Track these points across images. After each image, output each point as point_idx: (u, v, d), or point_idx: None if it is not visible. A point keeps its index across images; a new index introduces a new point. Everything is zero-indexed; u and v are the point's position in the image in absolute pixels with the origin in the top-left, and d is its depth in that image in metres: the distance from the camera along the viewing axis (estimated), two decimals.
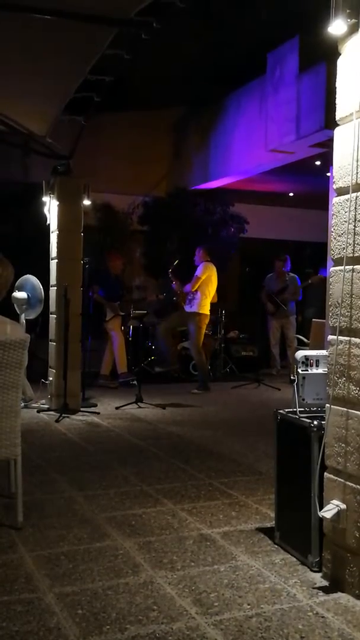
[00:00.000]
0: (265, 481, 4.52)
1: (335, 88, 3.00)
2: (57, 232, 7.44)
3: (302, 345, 10.02)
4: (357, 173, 2.85)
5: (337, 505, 2.88)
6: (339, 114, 2.98)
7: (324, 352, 3.35)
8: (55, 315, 7.40)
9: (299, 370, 3.35)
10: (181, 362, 9.78)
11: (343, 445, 2.88)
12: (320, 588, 2.92)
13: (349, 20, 2.84)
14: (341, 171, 2.96)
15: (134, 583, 2.95)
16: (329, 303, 3.05)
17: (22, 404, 6.39)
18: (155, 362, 9.37)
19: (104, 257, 9.51)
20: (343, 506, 2.86)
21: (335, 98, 3.00)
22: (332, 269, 3.02)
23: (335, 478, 2.94)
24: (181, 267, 9.16)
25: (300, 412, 3.30)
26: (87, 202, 7.54)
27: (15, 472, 3.72)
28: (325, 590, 2.90)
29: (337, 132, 3.01)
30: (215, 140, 10.84)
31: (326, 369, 3.12)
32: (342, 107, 2.96)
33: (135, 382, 8.10)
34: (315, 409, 3.34)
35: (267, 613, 2.68)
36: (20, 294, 7.14)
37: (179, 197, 11.30)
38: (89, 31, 5.05)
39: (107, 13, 4.83)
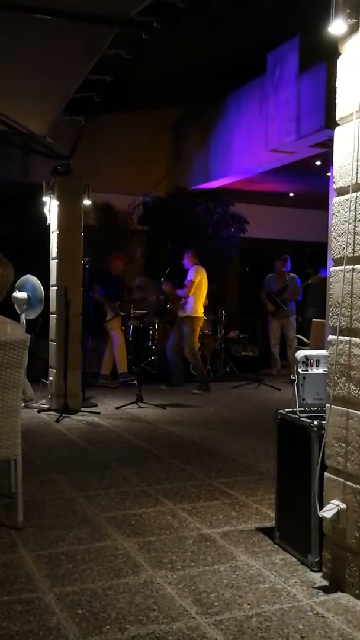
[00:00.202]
0: (266, 481, 4.52)
1: (336, 88, 3.00)
2: (58, 232, 7.45)
3: (302, 345, 10.00)
4: (357, 173, 2.85)
5: (337, 505, 2.88)
6: (339, 114, 2.98)
7: (324, 352, 3.35)
8: (55, 315, 7.40)
9: (299, 370, 3.35)
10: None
11: (343, 445, 2.88)
12: (320, 588, 2.92)
13: (349, 20, 2.84)
14: (341, 171, 2.96)
15: (134, 583, 2.95)
16: (329, 303, 3.05)
17: (23, 404, 6.39)
18: (165, 380, 9.25)
19: (104, 257, 9.51)
20: (343, 506, 2.86)
21: (335, 98, 3.00)
22: (332, 268, 3.02)
23: (336, 478, 2.94)
24: (173, 274, 9.16)
25: (301, 412, 3.30)
26: (87, 202, 7.54)
27: (15, 472, 3.72)
28: (326, 590, 2.90)
29: (337, 132, 3.01)
30: (216, 140, 10.84)
31: (326, 369, 3.12)
32: (343, 106, 2.96)
33: (135, 382, 8.11)
34: (315, 408, 3.34)
35: (267, 613, 2.68)
36: (20, 294, 7.14)
37: (179, 197, 11.30)
38: (89, 31, 5.05)
39: (107, 13, 4.83)
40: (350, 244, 2.88)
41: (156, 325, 10.03)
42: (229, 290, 13.05)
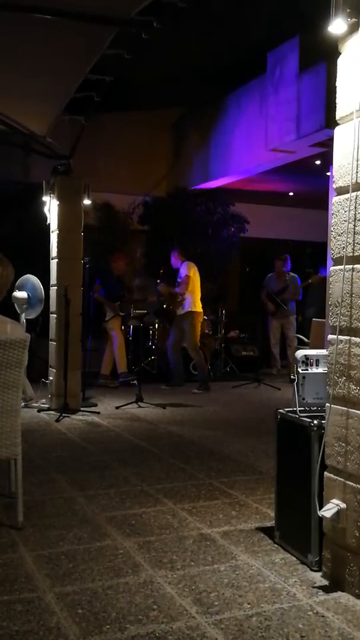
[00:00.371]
0: (265, 481, 4.52)
1: (336, 87, 3.00)
2: (58, 231, 7.45)
3: (302, 344, 10.00)
4: (357, 172, 2.85)
5: (337, 505, 2.88)
6: (339, 114, 2.98)
7: (324, 352, 3.35)
8: (55, 315, 7.40)
9: (299, 370, 3.35)
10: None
11: (343, 444, 2.88)
12: (320, 587, 2.92)
13: (349, 19, 2.84)
14: (341, 170, 2.96)
15: (134, 582, 2.95)
16: (329, 302, 3.05)
17: (23, 404, 6.39)
18: (165, 380, 9.25)
19: (104, 257, 9.51)
20: (343, 505, 2.86)
21: (335, 97, 3.00)
22: (332, 268, 3.02)
23: (336, 477, 2.94)
24: (167, 275, 9.17)
25: (301, 411, 3.30)
26: (87, 201, 7.55)
27: (15, 471, 3.71)
28: (325, 589, 2.90)
29: (337, 132, 3.01)
30: (216, 140, 10.84)
31: (326, 369, 3.12)
32: (342, 106, 2.96)
33: (135, 381, 8.11)
34: (315, 408, 3.34)
35: (267, 612, 2.68)
36: (20, 294, 7.14)
37: (179, 197, 11.31)
38: (89, 31, 5.05)
39: (107, 13, 4.83)
40: (350, 244, 2.88)
41: (156, 325, 10.03)
42: (229, 290, 13.05)
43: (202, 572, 3.07)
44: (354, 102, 2.85)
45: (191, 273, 8.83)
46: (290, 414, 3.34)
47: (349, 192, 2.89)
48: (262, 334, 10.46)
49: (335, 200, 3.00)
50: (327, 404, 3.01)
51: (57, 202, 7.46)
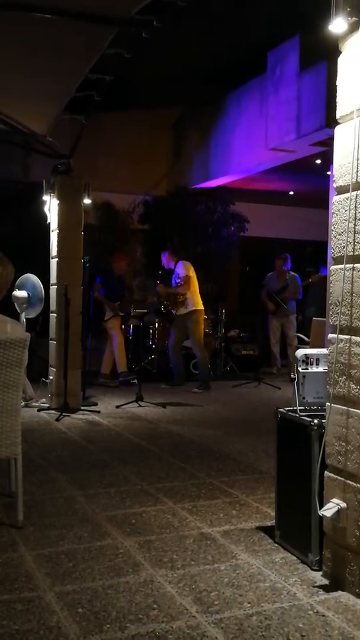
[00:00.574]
0: (266, 480, 4.52)
1: (336, 86, 3.00)
2: (58, 231, 7.45)
3: (302, 344, 10.01)
4: (357, 171, 2.85)
5: (338, 504, 2.88)
6: (339, 113, 2.98)
7: (324, 351, 3.35)
8: (55, 314, 7.40)
9: (300, 369, 3.35)
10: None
11: (343, 443, 2.88)
12: (320, 587, 2.92)
13: (349, 18, 2.84)
14: (341, 170, 2.96)
15: (134, 582, 2.95)
16: (330, 302, 3.05)
17: (23, 403, 6.39)
18: (165, 379, 9.24)
19: (104, 256, 9.51)
20: (343, 505, 2.86)
21: (335, 97, 3.00)
22: (332, 267, 3.02)
23: (336, 477, 2.94)
24: (165, 275, 9.16)
25: (301, 410, 3.30)
26: (87, 201, 7.54)
27: (15, 471, 3.71)
28: (326, 588, 2.90)
29: (338, 131, 3.00)
30: (216, 139, 10.84)
31: (326, 368, 3.12)
32: (343, 105, 2.96)
33: (135, 381, 8.11)
34: (315, 407, 3.33)
35: (268, 612, 2.68)
36: (20, 293, 7.14)
37: (179, 196, 11.31)
38: (89, 30, 5.05)
39: (107, 12, 4.82)
40: (350, 243, 2.88)
41: (156, 324, 10.03)
42: (229, 289, 13.05)
43: (203, 571, 3.07)
44: (355, 101, 2.85)
45: (191, 272, 8.84)
46: (290, 413, 3.34)
47: (349, 191, 2.89)
48: (262, 333, 10.46)
49: (335, 199, 3.00)
50: (328, 403, 3.01)
51: (57, 202, 7.46)
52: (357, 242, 2.85)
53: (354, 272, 2.86)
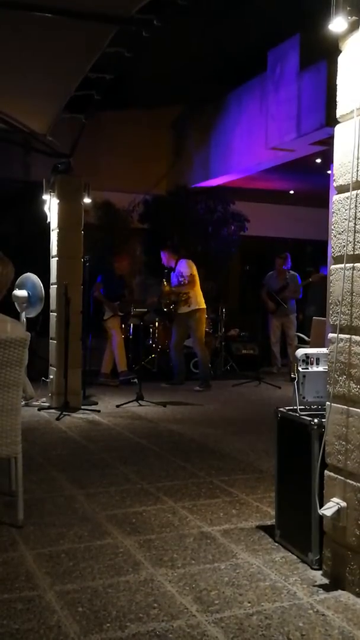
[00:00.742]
0: (266, 479, 4.52)
1: (336, 86, 2.99)
2: (58, 230, 7.44)
3: (302, 343, 10.01)
4: (357, 171, 2.85)
5: (338, 503, 2.88)
6: (339, 112, 2.98)
7: (324, 350, 3.35)
8: (55, 314, 7.40)
9: (300, 369, 3.35)
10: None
11: (343, 443, 2.88)
12: (320, 586, 2.92)
13: (349, 17, 2.84)
14: (342, 169, 2.96)
15: (135, 581, 2.95)
16: (330, 301, 3.05)
17: (23, 402, 6.38)
18: (165, 378, 9.24)
19: (104, 256, 9.51)
20: (343, 504, 2.86)
21: (336, 96, 3.00)
22: (332, 266, 3.02)
23: (336, 476, 2.94)
24: (169, 276, 9.16)
25: (301, 410, 3.30)
26: (87, 200, 7.54)
27: (16, 470, 3.72)
28: (326, 588, 2.90)
29: (338, 130, 3.00)
30: (216, 138, 10.84)
31: (327, 367, 3.12)
32: (343, 104, 2.95)
33: (135, 380, 8.11)
34: (315, 407, 3.33)
35: (268, 611, 2.69)
36: (20, 292, 7.14)
37: (179, 195, 11.30)
38: (89, 29, 5.04)
39: (107, 11, 4.82)
40: (350, 242, 2.88)
41: (156, 324, 10.03)
42: (229, 288, 13.04)
43: (203, 570, 3.08)
44: (355, 100, 2.85)
45: (194, 271, 8.84)
46: (290, 413, 3.34)
47: (349, 191, 2.88)
48: (263, 332, 10.46)
49: (335, 198, 3.00)
50: (328, 403, 3.01)
51: (57, 201, 7.46)
52: (357, 242, 2.85)
53: (354, 271, 2.86)
